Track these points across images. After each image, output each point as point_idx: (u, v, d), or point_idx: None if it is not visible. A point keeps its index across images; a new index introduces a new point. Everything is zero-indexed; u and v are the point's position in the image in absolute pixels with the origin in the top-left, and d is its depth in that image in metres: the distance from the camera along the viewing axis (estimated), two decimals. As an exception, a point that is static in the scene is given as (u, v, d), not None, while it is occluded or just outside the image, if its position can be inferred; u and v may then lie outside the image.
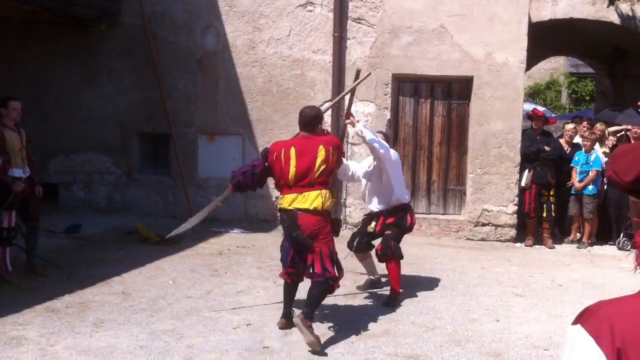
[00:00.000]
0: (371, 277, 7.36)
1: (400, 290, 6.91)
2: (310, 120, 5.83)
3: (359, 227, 7.73)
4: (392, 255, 6.75)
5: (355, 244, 7.09)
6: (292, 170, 5.58)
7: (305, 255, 5.68)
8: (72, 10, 10.07)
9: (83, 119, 11.43)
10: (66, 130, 11.41)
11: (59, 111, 11.44)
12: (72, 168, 11.58)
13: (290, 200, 5.58)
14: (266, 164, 5.78)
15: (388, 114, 10.63)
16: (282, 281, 7.40)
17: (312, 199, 5.54)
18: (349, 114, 6.72)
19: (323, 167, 5.60)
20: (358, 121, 6.67)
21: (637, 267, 1.56)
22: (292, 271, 5.78)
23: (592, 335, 1.45)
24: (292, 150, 5.64)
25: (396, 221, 6.86)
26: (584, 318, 1.51)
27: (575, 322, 1.54)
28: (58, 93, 11.46)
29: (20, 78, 11.29)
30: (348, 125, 6.78)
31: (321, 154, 5.61)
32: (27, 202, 7.33)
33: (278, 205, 5.81)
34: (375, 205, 6.94)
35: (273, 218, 11.02)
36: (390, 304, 6.71)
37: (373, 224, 6.97)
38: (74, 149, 11.52)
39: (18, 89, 10.62)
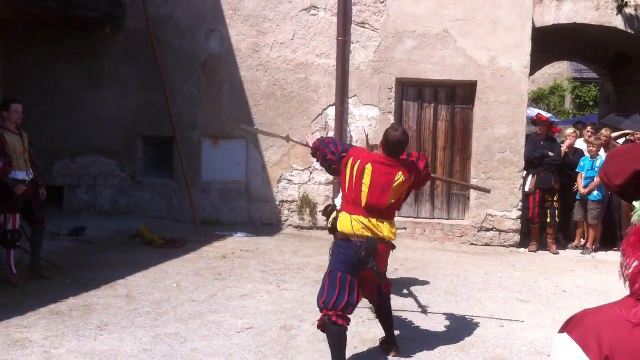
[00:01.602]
0: None
1: None
2: (397, 144, 5.04)
3: None
4: None
5: None
6: (365, 189, 4.95)
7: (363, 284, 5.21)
8: (77, 14, 10.09)
9: (87, 122, 11.44)
10: (70, 133, 11.43)
11: (63, 114, 11.46)
12: (76, 171, 11.60)
13: (363, 224, 4.94)
14: (333, 166, 5.22)
15: (392, 119, 10.63)
16: (287, 285, 7.43)
17: (386, 228, 5.04)
18: None
19: (396, 197, 5.07)
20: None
21: (622, 277, 1.55)
22: (346, 313, 4.95)
23: (580, 344, 1.45)
24: (369, 167, 4.96)
25: None
26: (571, 327, 1.50)
27: (562, 331, 1.53)
28: (62, 96, 11.48)
29: (24, 81, 11.32)
30: None
31: (399, 181, 5.01)
32: (31, 204, 7.34)
33: (341, 229, 5.03)
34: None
35: (277, 222, 11.04)
36: None
37: None
38: (79, 152, 11.54)
39: (22, 92, 10.67)
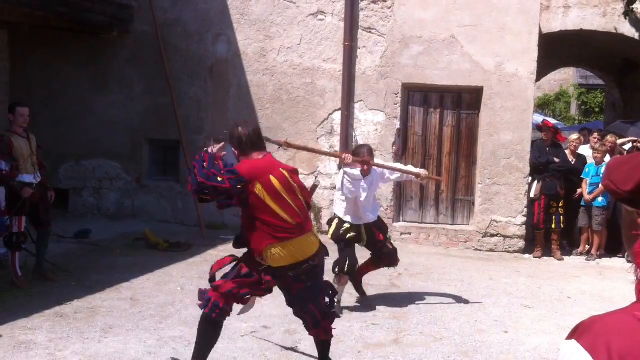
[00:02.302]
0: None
1: None
2: (258, 131, 4.60)
3: (344, 247, 6.78)
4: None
5: (348, 267, 6.60)
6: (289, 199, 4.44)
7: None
8: (84, 17, 10.13)
9: (94, 125, 11.48)
10: (77, 136, 11.47)
11: (69, 117, 11.50)
12: (82, 174, 11.63)
13: (300, 247, 4.45)
14: (242, 194, 4.31)
15: (397, 124, 10.65)
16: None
17: (315, 241, 4.61)
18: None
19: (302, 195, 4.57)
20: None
21: (636, 279, 1.55)
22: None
23: (589, 351, 1.43)
24: (273, 179, 4.36)
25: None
26: (579, 333, 1.49)
27: (569, 337, 1.52)
28: (69, 99, 11.52)
29: (31, 84, 11.37)
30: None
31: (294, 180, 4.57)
32: (37, 207, 7.37)
33: (271, 257, 4.42)
34: (368, 218, 6.80)
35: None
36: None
37: (364, 236, 6.80)
38: (85, 155, 11.57)
39: (29, 95, 10.73)
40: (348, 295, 7.27)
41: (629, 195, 1.51)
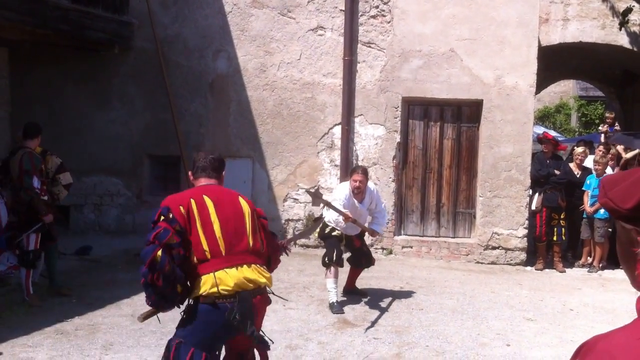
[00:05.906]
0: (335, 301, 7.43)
1: None
2: (220, 162, 4.07)
3: (330, 240, 7.57)
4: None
5: (336, 255, 7.35)
6: (217, 228, 3.67)
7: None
8: (85, 34, 10.18)
9: (94, 142, 11.50)
10: (77, 153, 11.46)
11: (71, 134, 11.51)
12: (83, 190, 11.62)
13: (234, 277, 3.61)
14: (177, 227, 3.64)
15: (398, 137, 10.66)
16: (292, 304, 7.41)
17: (259, 272, 3.77)
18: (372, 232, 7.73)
19: (251, 226, 3.85)
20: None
21: None
22: None
23: None
24: (208, 200, 3.74)
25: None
26: (582, 354, 1.47)
27: (574, 358, 1.51)
28: (70, 116, 11.55)
29: (32, 101, 11.41)
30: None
31: (245, 208, 3.88)
32: (49, 225, 7.42)
33: (201, 292, 3.61)
34: (351, 232, 7.63)
35: (282, 239, 11.01)
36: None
37: (344, 239, 7.66)
38: (85, 171, 11.56)
39: (31, 112, 10.77)
40: (350, 309, 7.26)
41: (629, 213, 1.47)
